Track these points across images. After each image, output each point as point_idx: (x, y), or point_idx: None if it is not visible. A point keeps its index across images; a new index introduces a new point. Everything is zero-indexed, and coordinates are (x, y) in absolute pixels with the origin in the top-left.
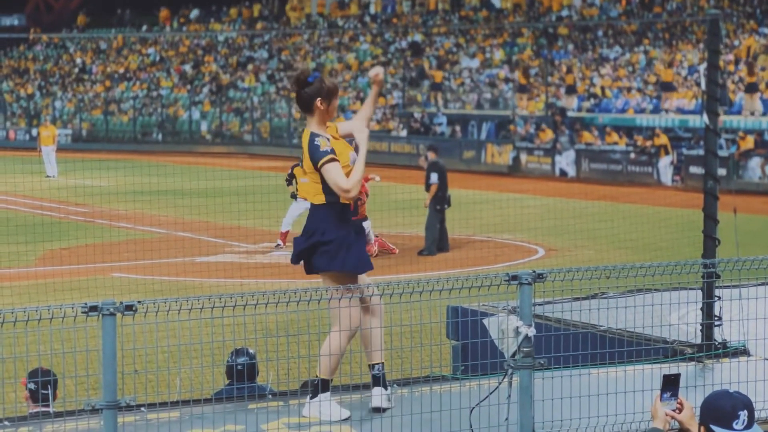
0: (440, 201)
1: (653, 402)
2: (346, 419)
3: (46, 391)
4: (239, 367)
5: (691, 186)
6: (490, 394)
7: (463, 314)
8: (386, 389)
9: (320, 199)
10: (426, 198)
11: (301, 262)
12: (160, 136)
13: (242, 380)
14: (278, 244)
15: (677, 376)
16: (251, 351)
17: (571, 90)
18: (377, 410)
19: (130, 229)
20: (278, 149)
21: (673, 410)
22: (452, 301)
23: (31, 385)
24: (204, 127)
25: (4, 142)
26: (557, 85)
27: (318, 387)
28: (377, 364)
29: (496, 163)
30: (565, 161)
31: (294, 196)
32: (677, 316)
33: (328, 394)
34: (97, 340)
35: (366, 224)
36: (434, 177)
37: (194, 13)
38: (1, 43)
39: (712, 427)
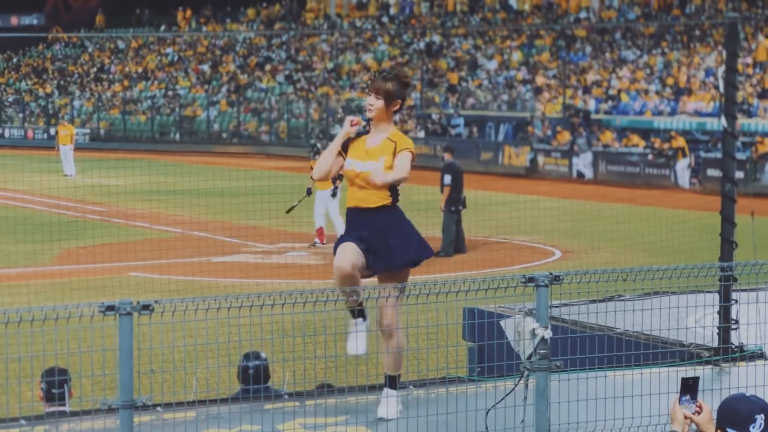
0: (455, 202)
1: (672, 405)
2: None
3: (57, 390)
4: (251, 371)
5: (709, 189)
6: (507, 395)
7: (479, 316)
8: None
9: None
10: (440, 200)
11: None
12: (177, 136)
13: (254, 383)
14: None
15: (696, 380)
16: (262, 354)
17: (587, 91)
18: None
19: (147, 229)
20: (295, 150)
21: (692, 413)
22: (469, 303)
23: (43, 385)
24: (216, 126)
25: (22, 141)
26: (575, 87)
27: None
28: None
29: (513, 164)
30: (583, 163)
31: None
32: (694, 319)
33: (353, 323)
34: (113, 339)
35: None
36: (447, 179)
37: (243, 14)
38: (20, 42)
39: (729, 430)
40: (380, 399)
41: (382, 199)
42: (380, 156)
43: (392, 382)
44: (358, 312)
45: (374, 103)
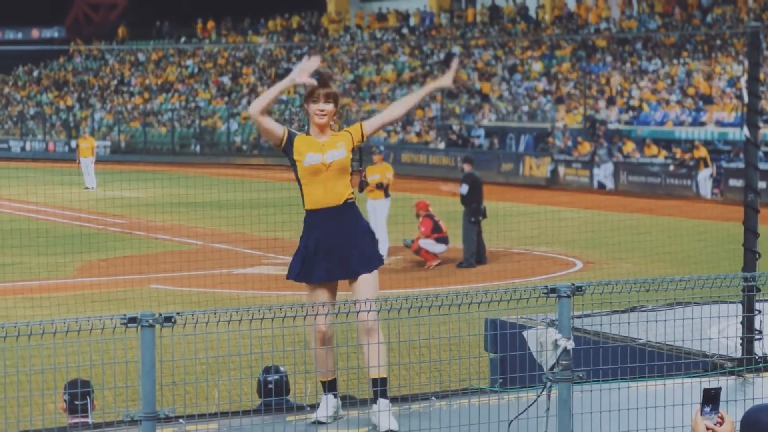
0: (475, 213)
1: (693, 416)
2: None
3: (80, 402)
4: (270, 386)
5: (731, 199)
6: (529, 407)
7: (501, 327)
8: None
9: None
10: (461, 211)
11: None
12: (197, 148)
13: (273, 397)
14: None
15: (718, 390)
16: (282, 368)
17: (612, 102)
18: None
19: (167, 241)
20: None
21: (714, 424)
22: (490, 314)
23: (66, 396)
24: (237, 139)
25: (43, 154)
26: (595, 97)
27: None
28: (373, 379)
29: (534, 175)
30: (603, 174)
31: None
32: (717, 329)
33: (324, 396)
34: (134, 351)
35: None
36: (464, 188)
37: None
38: (41, 55)
39: None
40: (373, 413)
41: (349, 193)
42: (338, 143)
43: (383, 389)
44: (330, 386)
45: (326, 108)
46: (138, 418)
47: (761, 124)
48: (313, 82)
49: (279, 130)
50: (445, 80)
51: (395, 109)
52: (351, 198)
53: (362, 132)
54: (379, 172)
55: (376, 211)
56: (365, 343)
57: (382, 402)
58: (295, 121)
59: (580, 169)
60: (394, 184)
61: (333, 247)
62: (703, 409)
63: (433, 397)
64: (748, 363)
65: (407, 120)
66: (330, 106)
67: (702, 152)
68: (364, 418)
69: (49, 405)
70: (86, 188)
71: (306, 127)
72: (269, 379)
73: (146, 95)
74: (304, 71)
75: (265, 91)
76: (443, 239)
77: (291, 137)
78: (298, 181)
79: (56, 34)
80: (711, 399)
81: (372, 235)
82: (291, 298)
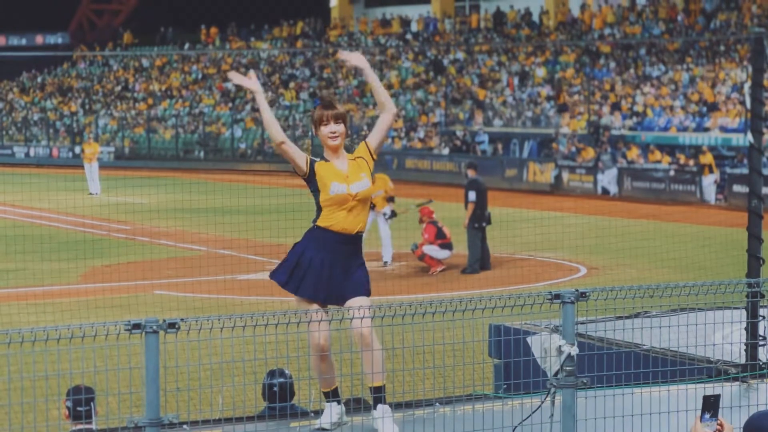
0: (479, 219)
1: (693, 424)
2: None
3: (83, 408)
4: (275, 389)
5: (735, 205)
6: (533, 413)
7: (505, 333)
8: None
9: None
10: (464, 217)
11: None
12: (201, 154)
13: (279, 401)
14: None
15: (717, 397)
16: (287, 372)
17: (617, 107)
18: None
19: (171, 247)
20: None
21: (713, 431)
22: (494, 320)
23: (69, 403)
24: (242, 145)
25: (48, 160)
26: (599, 103)
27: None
28: (370, 387)
29: (538, 181)
30: (607, 180)
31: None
32: (721, 335)
33: (327, 404)
34: (138, 357)
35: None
36: (472, 195)
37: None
38: (45, 61)
39: None
40: (376, 420)
41: (362, 226)
42: (360, 173)
43: (384, 396)
44: (332, 394)
45: (337, 130)
46: (142, 424)
47: (765, 130)
48: (251, 75)
49: (302, 163)
50: (356, 59)
51: (384, 117)
52: (362, 231)
53: (370, 152)
54: (381, 187)
55: (380, 218)
56: (360, 350)
57: (383, 408)
58: (300, 126)
59: (584, 175)
60: (398, 189)
61: (327, 273)
62: (703, 415)
63: (437, 403)
64: (752, 369)
65: (411, 126)
66: (340, 127)
67: (708, 158)
68: (368, 424)
69: (53, 411)
70: (90, 194)
71: (312, 138)
72: (274, 382)
73: (150, 101)
74: (239, 78)
75: (264, 112)
76: (447, 245)
77: (312, 165)
78: (318, 204)
79: (60, 40)
80: (710, 406)
81: (365, 268)
82: (294, 304)
